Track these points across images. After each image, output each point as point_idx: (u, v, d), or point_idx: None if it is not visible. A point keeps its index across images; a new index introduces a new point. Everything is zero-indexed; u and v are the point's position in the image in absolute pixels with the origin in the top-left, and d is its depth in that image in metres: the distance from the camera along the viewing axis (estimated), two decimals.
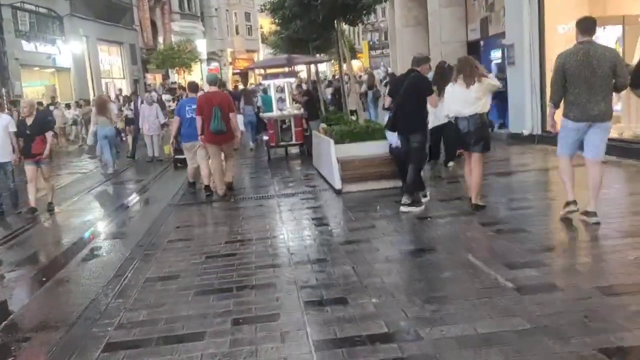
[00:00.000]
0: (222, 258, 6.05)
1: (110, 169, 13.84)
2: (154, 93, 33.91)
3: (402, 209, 7.32)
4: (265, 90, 19.37)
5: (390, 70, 25.55)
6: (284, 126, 13.76)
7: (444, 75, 9.36)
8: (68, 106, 23.22)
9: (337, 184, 8.98)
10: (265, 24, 48.42)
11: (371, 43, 64.08)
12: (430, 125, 7.90)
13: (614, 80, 5.82)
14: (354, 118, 11.65)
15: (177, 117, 9.91)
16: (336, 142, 9.40)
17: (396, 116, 7.51)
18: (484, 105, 6.97)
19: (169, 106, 18.86)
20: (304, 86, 16.54)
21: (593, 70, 5.75)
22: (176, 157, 13.76)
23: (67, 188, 12.47)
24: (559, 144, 6.26)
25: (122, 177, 13.72)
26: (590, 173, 6.01)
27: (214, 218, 8.47)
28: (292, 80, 14.89)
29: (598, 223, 5.89)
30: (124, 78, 34.65)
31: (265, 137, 14.09)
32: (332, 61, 25.23)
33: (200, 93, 10.57)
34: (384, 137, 9.26)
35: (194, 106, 9.29)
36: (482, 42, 17.40)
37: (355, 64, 59.44)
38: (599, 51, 5.81)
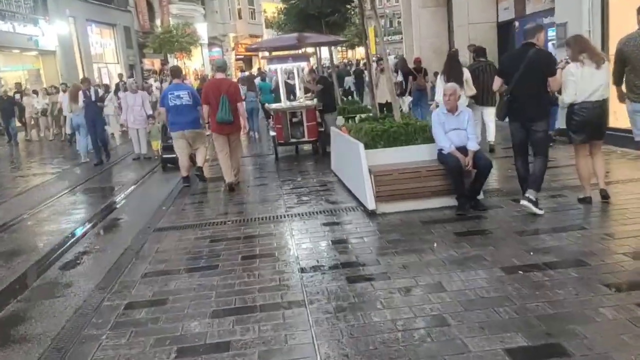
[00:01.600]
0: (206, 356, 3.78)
1: (83, 158, 13.49)
2: (151, 80, 31.71)
3: (524, 202, 6.17)
4: (263, 77, 17.13)
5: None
6: (294, 120, 11.48)
7: (454, 65, 9.02)
8: (36, 93, 20.49)
9: (370, 203, 6.73)
10: (269, 8, 46.07)
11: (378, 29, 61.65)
12: None
13: None
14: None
15: (161, 108, 9.46)
16: (367, 147, 7.14)
17: (515, 101, 6.24)
18: (608, 88, 6.24)
19: (155, 97, 16.35)
20: (317, 72, 14.28)
21: None
22: (165, 156, 11.52)
23: (25, 197, 10.26)
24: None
25: (96, 182, 11.39)
26: None
27: (199, 257, 5.75)
28: (304, 64, 12.60)
29: None
30: (118, 63, 32.30)
31: (273, 133, 11.78)
32: (340, 46, 22.84)
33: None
34: (430, 139, 7.05)
35: (177, 93, 8.93)
36: (516, 23, 15.23)
37: (362, 51, 57.36)
38: None
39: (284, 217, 7.08)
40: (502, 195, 7.20)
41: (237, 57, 43.32)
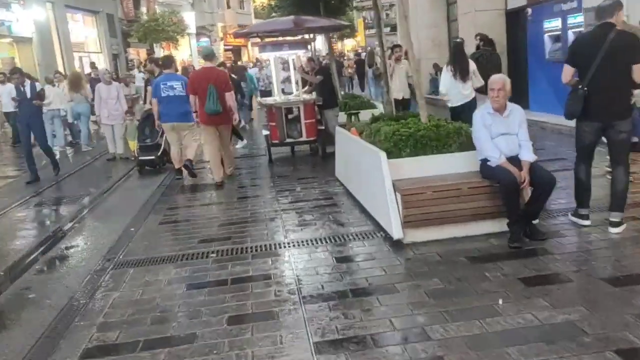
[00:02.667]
0: None
1: (85, 146, 13.28)
2: (134, 71, 29.82)
3: (613, 229, 4.99)
4: (243, 67, 15.35)
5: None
6: (290, 116, 9.83)
7: (460, 55, 8.40)
8: None
9: (396, 230, 5.10)
10: None
11: (366, 22, 59.99)
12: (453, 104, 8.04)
13: None
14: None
15: (154, 99, 8.76)
16: (388, 155, 5.51)
17: (593, 96, 4.94)
18: None
19: (133, 94, 14.25)
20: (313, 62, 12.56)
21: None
22: (142, 158, 9.84)
23: None
24: None
25: (55, 192, 9.39)
26: None
27: (170, 317, 4.04)
28: (302, 52, 10.95)
29: None
30: (100, 52, 30.35)
31: (266, 132, 10.12)
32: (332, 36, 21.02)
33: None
34: (468, 146, 5.50)
35: (170, 83, 8.51)
36: (528, 10, 13.61)
37: (350, 44, 55.53)
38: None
39: (283, 246, 5.45)
40: (557, 215, 5.63)
41: (226, 47, 41.41)
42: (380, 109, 10.82)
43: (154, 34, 31.47)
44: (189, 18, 36.56)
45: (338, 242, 5.42)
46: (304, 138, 9.89)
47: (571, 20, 11.65)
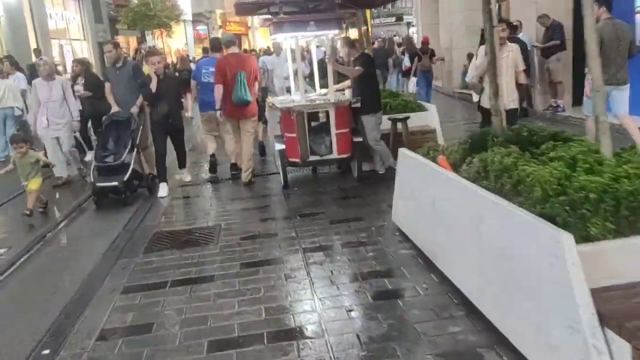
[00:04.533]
0: None
1: None
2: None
3: None
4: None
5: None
6: (314, 124, 6.84)
7: None
8: None
9: None
10: None
11: (372, 11, 56.98)
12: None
13: None
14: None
15: (193, 82, 8.08)
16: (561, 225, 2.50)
17: None
18: None
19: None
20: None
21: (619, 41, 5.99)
22: (100, 184, 6.83)
23: None
24: None
25: None
26: None
27: None
28: (330, 33, 7.47)
29: None
30: (84, 39, 27.19)
31: (280, 146, 7.07)
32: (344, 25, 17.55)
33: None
34: None
35: (212, 69, 7.58)
36: None
37: (353, 34, 52.23)
38: (621, 25, 6.30)
39: None
40: None
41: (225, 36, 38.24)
42: (432, 113, 7.85)
43: (144, 20, 28.36)
44: (185, 4, 33.43)
45: None
46: (334, 155, 6.87)
47: None
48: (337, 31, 6.90)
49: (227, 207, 6.63)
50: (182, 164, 7.87)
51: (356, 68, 6.82)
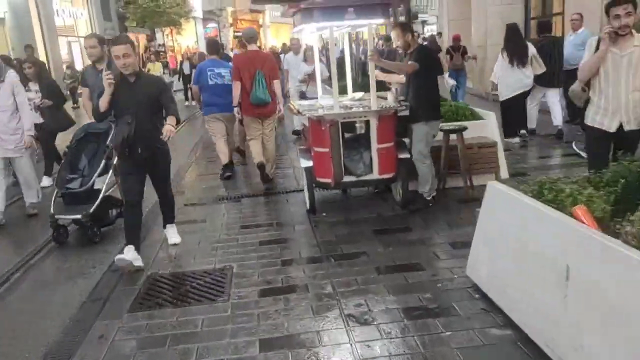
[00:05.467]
0: None
1: None
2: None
3: None
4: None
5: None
6: (348, 136, 5.36)
7: (515, 39, 7.77)
8: None
9: None
10: None
11: None
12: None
13: None
14: None
15: (195, 87, 7.65)
16: None
17: None
18: None
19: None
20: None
21: None
22: (61, 216, 5.33)
23: None
24: None
25: None
26: None
27: None
28: (374, 23, 5.80)
29: None
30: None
31: (307, 163, 5.60)
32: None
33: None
34: None
35: (217, 70, 7.35)
36: None
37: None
38: None
39: None
40: None
41: (236, 33, 36.67)
42: (490, 122, 6.36)
43: (154, 17, 27.01)
44: (195, 1, 32.07)
45: None
46: (374, 175, 5.37)
47: None
48: (382, 20, 5.33)
49: (240, 239, 5.17)
50: (168, 218, 5.15)
51: (409, 63, 5.30)
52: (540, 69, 7.72)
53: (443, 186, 5.98)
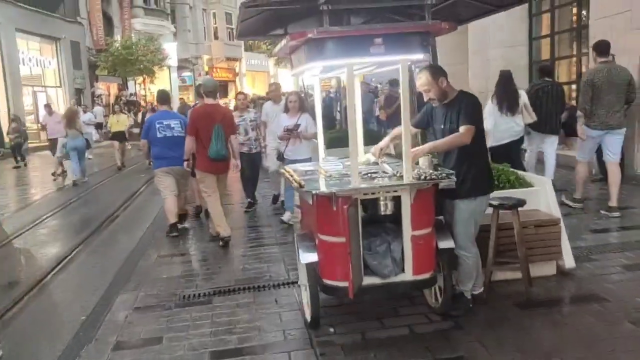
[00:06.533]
0: None
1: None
2: (97, 109, 23.72)
3: None
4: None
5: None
6: (368, 220, 3.66)
7: (507, 87, 7.03)
8: None
9: None
10: None
11: None
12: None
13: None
14: None
15: (144, 141, 7.12)
16: None
17: None
18: None
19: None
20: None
21: (613, 85, 6.16)
22: None
23: None
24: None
25: None
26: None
27: None
28: (409, 59, 3.60)
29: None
30: (60, 86, 24.11)
31: (309, 257, 3.79)
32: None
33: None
34: None
35: (167, 122, 6.91)
36: None
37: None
38: (618, 69, 6.30)
39: None
40: None
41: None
42: (545, 189, 4.75)
43: (126, 65, 25.41)
44: (171, 49, 30.65)
45: None
46: (407, 276, 3.61)
47: None
48: (421, 56, 3.66)
49: None
50: None
51: (465, 128, 3.64)
52: (531, 118, 7.14)
53: (489, 281, 4.28)
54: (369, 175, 3.87)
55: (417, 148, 3.81)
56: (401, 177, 3.68)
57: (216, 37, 36.50)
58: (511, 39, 11.85)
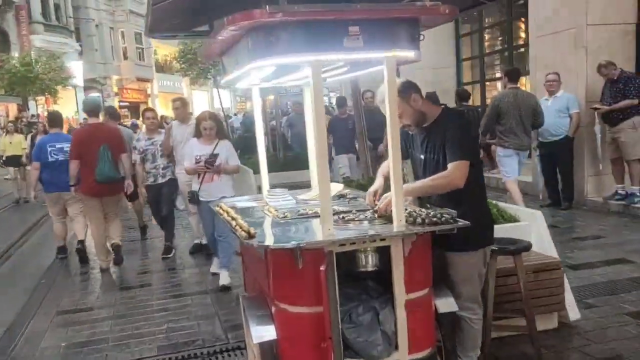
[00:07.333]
0: None
1: None
2: None
3: None
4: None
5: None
6: (346, 283, 2.61)
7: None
8: None
9: None
10: (162, 50, 36.53)
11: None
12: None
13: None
14: None
15: (36, 163, 6.63)
16: None
17: None
18: None
19: None
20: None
21: (518, 110, 6.43)
22: None
23: None
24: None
25: None
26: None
27: None
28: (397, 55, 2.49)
29: None
30: None
31: (264, 333, 2.61)
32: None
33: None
34: None
35: (59, 145, 6.54)
36: None
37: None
38: (524, 95, 6.69)
39: None
40: None
41: (121, 103, 32.98)
42: (538, 224, 3.92)
43: (26, 84, 23.01)
44: (76, 68, 28.32)
45: None
46: (402, 356, 2.60)
47: None
48: (412, 53, 2.65)
49: None
50: None
51: (454, 165, 2.73)
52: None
53: (489, 342, 3.35)
54: (341, 216, 2.83)
55: (385, 195, 2.79)
56: (386, 217, 2.68)
57: (125, 57, 34.30)
58: (438, 61, 11.35)
